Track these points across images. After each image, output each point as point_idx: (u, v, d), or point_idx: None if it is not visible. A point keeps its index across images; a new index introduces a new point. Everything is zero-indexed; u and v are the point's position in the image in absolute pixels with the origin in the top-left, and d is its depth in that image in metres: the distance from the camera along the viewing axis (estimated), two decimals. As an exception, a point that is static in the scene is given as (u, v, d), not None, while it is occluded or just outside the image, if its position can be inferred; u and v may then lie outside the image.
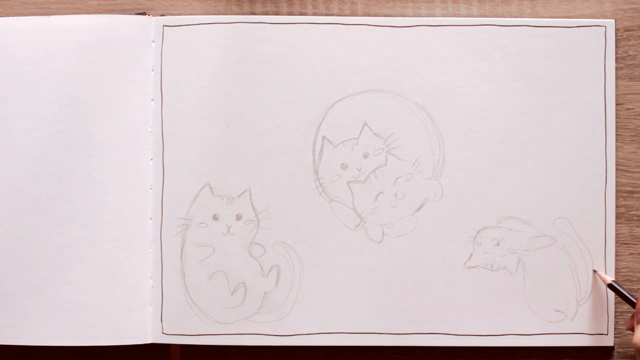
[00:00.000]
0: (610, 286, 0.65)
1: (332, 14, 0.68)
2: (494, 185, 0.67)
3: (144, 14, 0.67)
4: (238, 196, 0.67)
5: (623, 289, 0.64)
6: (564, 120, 0.67)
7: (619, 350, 0.67)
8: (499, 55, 0.67)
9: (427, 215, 0.67)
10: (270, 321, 0.67)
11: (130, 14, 0.67)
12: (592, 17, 0.68)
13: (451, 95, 0.67)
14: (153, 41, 0.67)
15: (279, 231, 0.67)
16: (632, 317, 0.63)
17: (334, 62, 0.67)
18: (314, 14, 0.68)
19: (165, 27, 0.67)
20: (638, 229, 0.68)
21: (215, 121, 0.67)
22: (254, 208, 0.67)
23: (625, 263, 0.67)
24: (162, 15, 0.68)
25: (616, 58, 0.67)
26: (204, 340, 0.67)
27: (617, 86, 0.67)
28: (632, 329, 0.63)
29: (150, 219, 0.67)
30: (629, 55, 0.68)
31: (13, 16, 0.68)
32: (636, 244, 0.68)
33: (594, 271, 0.66)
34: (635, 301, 0.62)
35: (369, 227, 0.67)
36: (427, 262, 0.67)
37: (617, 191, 0.67)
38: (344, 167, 0.67)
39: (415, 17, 0.68)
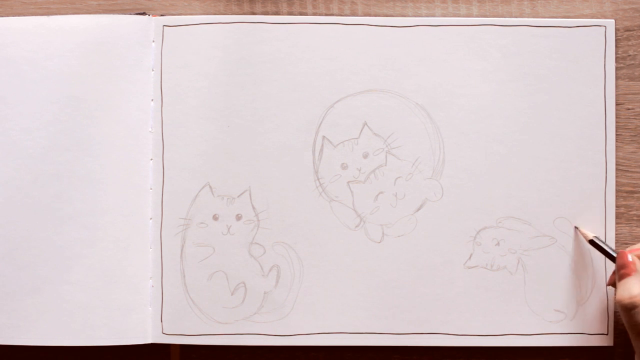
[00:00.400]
0: (591, 242, 0.65)
1: (332, 14, 0.68)
2: (494, 185, 0.67)
3: (144, 14, 0.67)
4: (238, 196, 0.67)
5: (605, 244, 0.64)
6: (564, 120, 0.67)
7: (619, 350, 0.67)
8: (499, 55, 0.67)
9: (427, 215, 0.67)
10: (270, 321, 0.67)
11: (130, 14, 0.67)
12: (592, 17, 0.68)
13: (451, 95, 0.67)
14: (153, 41, 0.67)
15: (279, 231, 0.67)
16: (614, 273, 0.63)
17: (334, 62, 0.67)
18: (314, 14, 0.68)
19: (165, 27, 0.67)
20: (638, 229, 0.68)
21: (215, 121, 0.67)
22: (254, 208, 0.67)
23: (625, 263, 0.67)
24: (162, 15, 0.68)
25: (616, 58, 0.67)
26: (204, 340, 0.67)
27: (617, 86, 0.67)
28: (613, 285, 0.63)
29: (150, 219, 0.67)
30: (629, 55, 0.68)
31: (13, 16, 0.68)
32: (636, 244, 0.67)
33: (575, 227, 0.66)
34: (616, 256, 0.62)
35: (369, 227, 0.67)
36: (427, 262, 0.67)
37: (617, 191, 0.67)
38: (344, 167, 0.67)
39: (415, 17, 0.68)
